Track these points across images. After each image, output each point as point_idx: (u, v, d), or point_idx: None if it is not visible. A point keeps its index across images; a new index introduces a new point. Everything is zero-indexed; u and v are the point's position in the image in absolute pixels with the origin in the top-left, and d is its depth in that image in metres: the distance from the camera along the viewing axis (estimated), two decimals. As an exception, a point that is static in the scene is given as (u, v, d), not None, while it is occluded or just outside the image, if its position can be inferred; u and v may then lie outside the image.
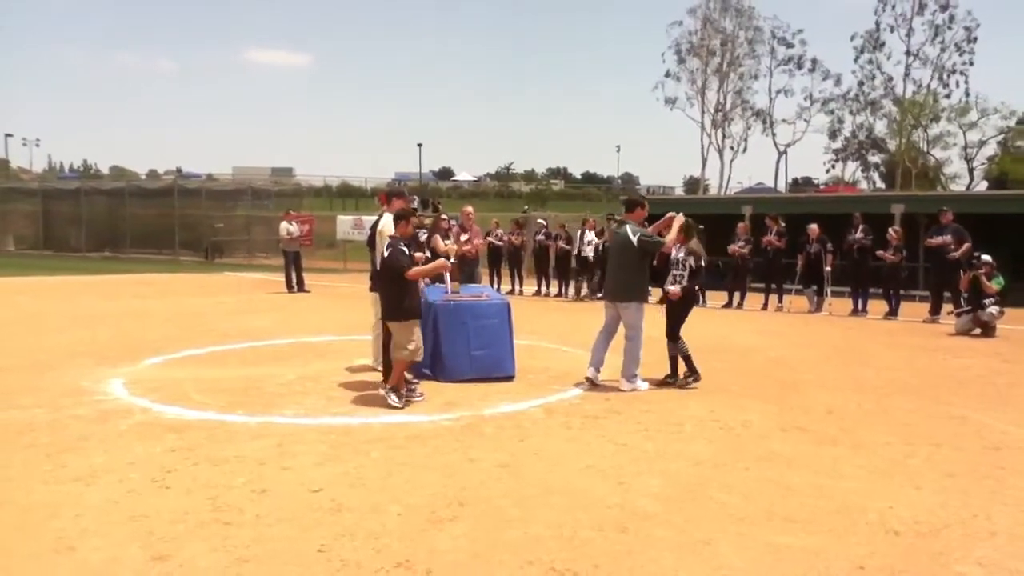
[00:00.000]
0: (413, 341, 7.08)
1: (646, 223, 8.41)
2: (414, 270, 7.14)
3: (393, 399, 7.03)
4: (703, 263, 8.31)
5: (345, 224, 29.39)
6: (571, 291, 18.76)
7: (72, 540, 4.05)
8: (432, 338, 8.17)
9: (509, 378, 8.25)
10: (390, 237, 7.29)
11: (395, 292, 7.11)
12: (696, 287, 8.41)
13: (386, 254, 7.14)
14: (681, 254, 8.22)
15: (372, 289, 8.37)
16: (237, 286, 20.84)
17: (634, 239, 7.92)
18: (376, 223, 8.13)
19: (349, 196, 60.33)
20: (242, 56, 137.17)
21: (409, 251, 7.25)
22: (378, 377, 7.95)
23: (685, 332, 8.21)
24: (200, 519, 4.34)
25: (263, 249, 32.53)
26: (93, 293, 18.06)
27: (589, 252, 17.78)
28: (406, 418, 6.67)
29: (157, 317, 13.63)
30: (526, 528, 4.28)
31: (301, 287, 18.76)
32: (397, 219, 7.40)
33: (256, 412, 6.79)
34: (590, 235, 17.87)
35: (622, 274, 8.05)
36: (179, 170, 75.79)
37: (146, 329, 11.99)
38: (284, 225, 18.96)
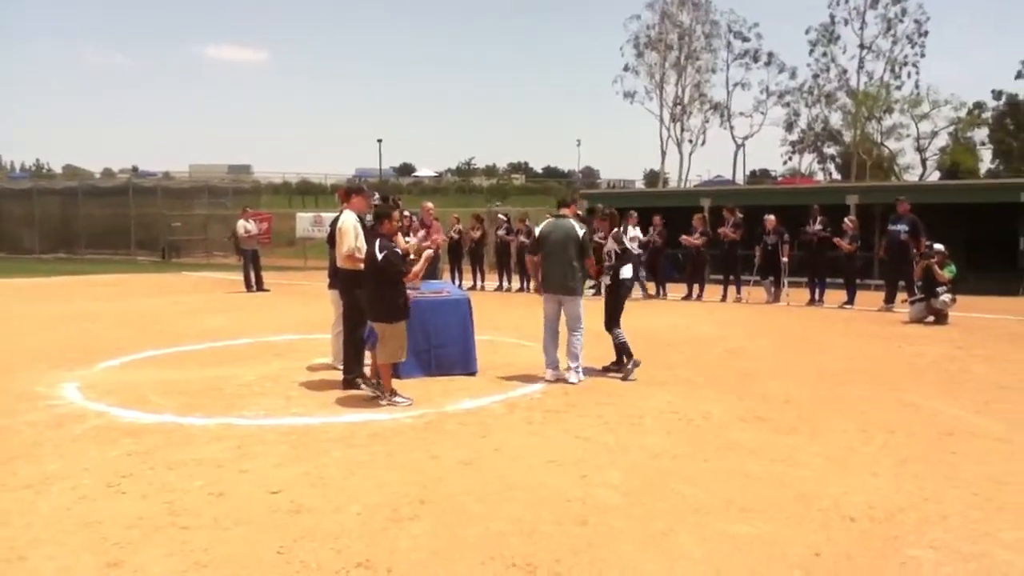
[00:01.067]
0: (396, 341, 7.04)
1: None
2: (414, 270, 7.17)
3: (400, 399, 7.01)
4: (626, 246, 8.94)
5: (305, 221, 29.13)
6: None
7: (22, 549, 3.96)
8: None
9: (471, 374, 8.25)
10: (379, 237, 7.12)
11: (388, 293, 7.03)
12: (631, 275, 8.88)
13: (380, 255, 6.97)
14: (610, 243, 8.76)
15: (331, 287, 8.32)
16: (195, 286, 20.56)
17: (580, 233, 8.04)
18: (336, 220, 8.05)
19: (309, 193, 59.85)
20: (199, 52, 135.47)
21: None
22: (338, 376, 7.90)
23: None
24: (156, 524, 4.28)
25: (221, 248, 32.13)
26: (47, 295, 17.70)
27: (633, 247, 16.54)
28: (367, 416, 6.63)
29: (113, 319, 13.40)
30: (487, 524, 4.29)
31: (260, 286, 18.56)
32: (380, 217, 7.30)
33: (215, 414, 6.71)
34: (634, 231, 15.95)
35: (567, 267, 8.04)
36: (135, 168, 74.63)
37: (102, 331, 11.79)
38: (241, 223, 18.74)
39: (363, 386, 7.48)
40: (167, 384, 7.90)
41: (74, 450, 5.68)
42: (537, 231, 8.36)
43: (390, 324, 7.03)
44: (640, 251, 15.97)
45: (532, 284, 8.58)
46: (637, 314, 13.75)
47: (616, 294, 8.64)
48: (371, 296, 7.15)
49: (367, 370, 7.88)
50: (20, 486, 4.91)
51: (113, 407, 6.94)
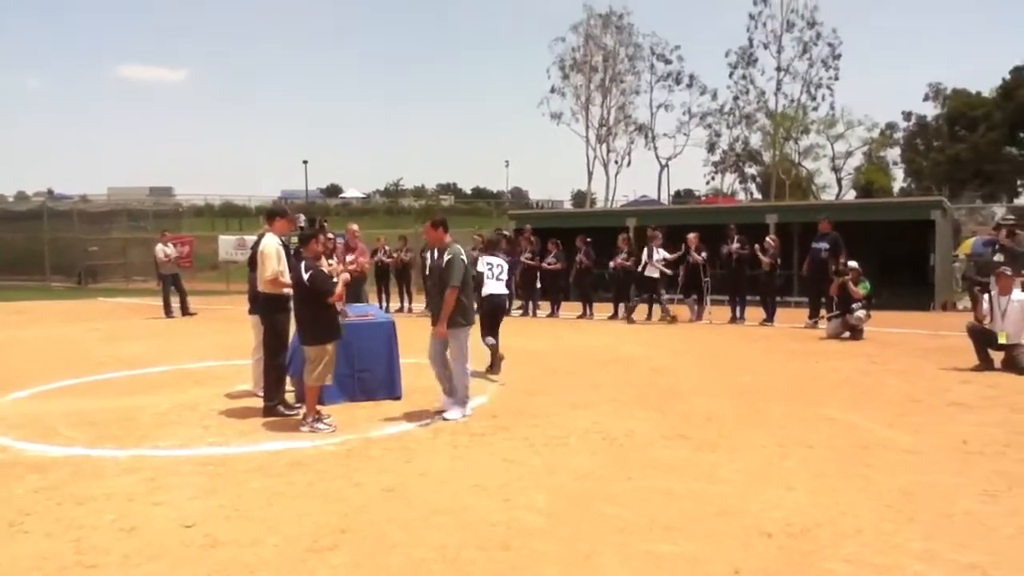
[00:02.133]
0: (322, 363, 6.95)
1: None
2: (336, 292, 7.05)
3: (322, 425, 6.87)
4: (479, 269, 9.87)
5: (227, 244, 28.56)
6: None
7: (-85, 595, 3.75)
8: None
9: (396, 398, 8.15)
10: (304, 259, 7.07)
11: (316, 315, 6.97)
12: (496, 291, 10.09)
13: (307, 276, 6.92)
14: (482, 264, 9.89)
15: (252, 312, 8.15)
16: (112, 312, 19.94)
17: (444, 263, 7.37)
18: (257, 243, 7.91)
19: (232, 215, 58.56)
20: (113, 72, 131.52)
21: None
22: (259, 403, 7.73)
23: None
24: (61, 563, 4.09)
25: (141, 272, 31.26)
26: (-48, 324, 16.94)
27: (654, 272, 15.72)
28: (288, 444, 6.48)
29: (24, 347, 12.89)
30: (409, 552, 4.22)
31: (186, 310, 18.04)
32: (305, 239, 7.30)
33: (127, 445, 6.48)
34: (660, 252, 15.73)
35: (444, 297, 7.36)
36: (50, 192, 72.06)
37: (12, 360, 11.32)
38: (160, 247, 18.28)
39: (284, 412, 7.34)
40: (78, 415, 7.61)
41: (-25, 488, 5.41)
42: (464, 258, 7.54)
43: (319, 346, 6.95)
44: (667, 271, 15.73)
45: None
46: (564, 333, 13.85)
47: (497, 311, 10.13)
48: (300, 319, 7.11)
49: (289, 396, 7.74)
50: (-86, 528, 4.65)
51: (19, 441, 6.65)
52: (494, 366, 9.78)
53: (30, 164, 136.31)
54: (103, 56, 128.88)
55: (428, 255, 7.86)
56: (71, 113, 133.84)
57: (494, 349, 9.85)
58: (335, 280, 7.30)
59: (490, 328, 9.94)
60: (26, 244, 33.15)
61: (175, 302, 18.12)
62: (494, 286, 10.03)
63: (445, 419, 7.29)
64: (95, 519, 4.75)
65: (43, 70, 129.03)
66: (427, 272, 7.83)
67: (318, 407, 7.10)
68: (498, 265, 10.18)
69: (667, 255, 15.79)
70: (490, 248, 11.06)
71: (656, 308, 16.06)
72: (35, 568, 4.04)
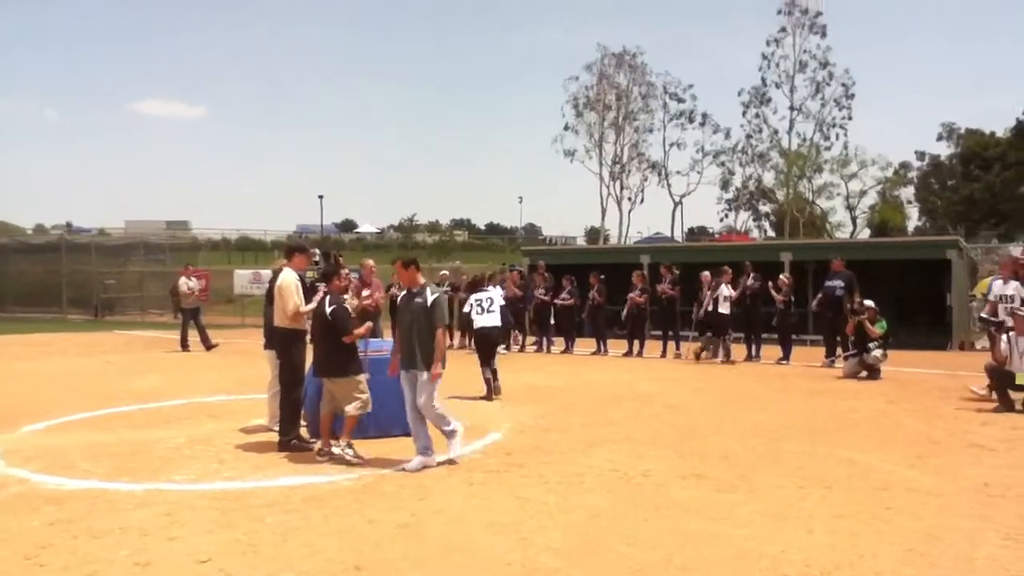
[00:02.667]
0: (363, 393, 7.15)
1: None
2: (354, 333, 7.20)
3: (350, 454, 6.99)
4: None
5: (243, 278, 28.74)
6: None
7: (-69, 628, 3.75)
8: (331, 395, 8.02)
9: (410, 435, 8.11)
10: (327, 293, 7.28)
11: (340, 348, 7.13)
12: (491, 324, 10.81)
13: (329, 311, 7.11)
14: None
15: (267, 346, 8.19)
16: (128, 345, 20.03)
17: (430, 303, 6.96)
18: (274, 278, 7.97)
19: (248, 249, 59.09)
20: (132, 107, 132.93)
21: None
22: (274, 438, 7.73)
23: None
24: (77, 598, 4.09)
25: (157, 306, 31.43)
26: (-30, 356, 17.05)
27: (725, 309, 15.06)
28: (303, 480, 6.47)
29: (41, 379, 12.95)
30: (424, 590, 4.19)
31: (207, 343, 18.04)
32: (328, 276, 7.54)
33: (143, 479, 6.49)
34: (726, 289, 15.08)
35: (422, 339, 6.96)
36: (69, 225, 72.83)
37: (28, 393, 11.38)
38: (183, 280, 18.37)
39: (300, 446, 7.39)
40: (94, 448, 7.63)
41: (-9, 520, 5.42)
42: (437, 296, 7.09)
43: (346, 378, 7.11)
44: (729, 309, 15.04)
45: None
46: (579, 370, 13.81)
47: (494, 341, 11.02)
48: (324, 353, 7.23)
49: (303, 431, 7.75)
50: (-70, 560, 4.66)
51: (36, 473, 6.67)
52: (489, 396, 10.39)
53: (48, 196, 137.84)
54: (122, 90, 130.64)
55: (397, 295, 7.81)
56: (90, 146, 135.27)
57: (489, 382, 10.49)
58: (354, 317, 7.40)
59: (484, 360, 10.62)
60: (44, 276, 33.37)
61: (192, 335, 18.14)
62: (485, 319, 10.78)
63: (453, 461, 7.03)
64: (110, 553, 4.75)
65: (62, 102, 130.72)
66: (397, 313, 7.38)
67: (314, 440, 7.35)
68: (487, 299, 10.89)
69: (732, 293, 15.16)
70: (475, 287, 12.07)
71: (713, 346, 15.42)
72: (50, 602, 4.04)
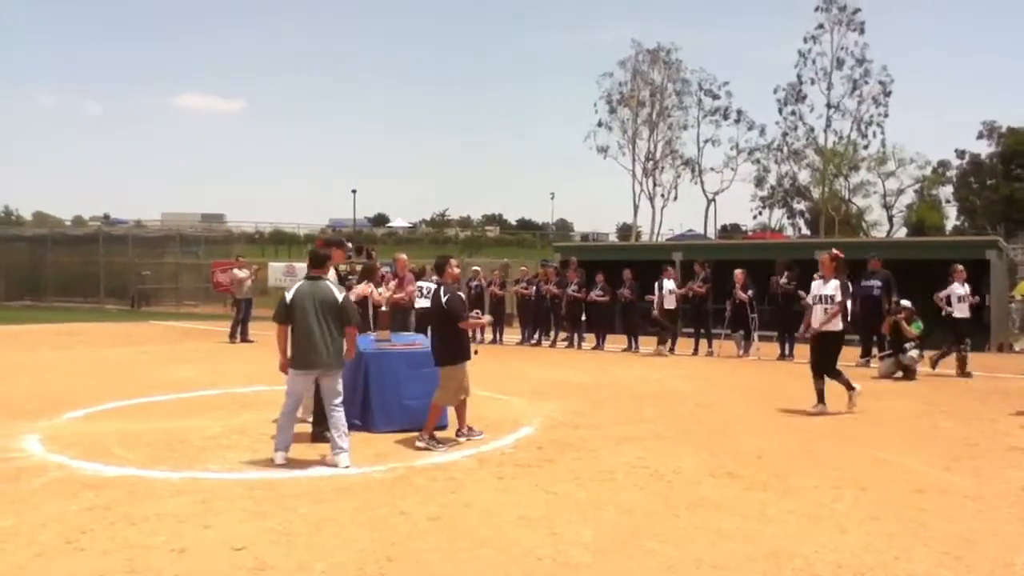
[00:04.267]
0: (461, 383, 7.53)
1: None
2: (469, 322, 7.70)
3: (437, 443, 7.33)
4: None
5: (277, 271, 29.02)
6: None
7: (-25, 609, 3.84)
8: (362, 387, 8.08)
9: (442, 428, 8.16)
10: (442, 284, 7.67)
11: (451, 336, 7.51)
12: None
13: (445, 300, 7.47)
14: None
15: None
16: (164, 335, 20.30)
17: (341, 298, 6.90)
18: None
19: (282, 243, 59.67)
20: (171, 101, 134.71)
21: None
22: (307, 429, 7.80)
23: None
24: (115, 582, 4.16)
25: (192, 297, 31.84)
26: (11, 343, 17.38)
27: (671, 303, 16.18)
28: (335, 471, 6.53)
29: (79, 368, 13.18)
30: (456, 583, 4.21)
31: (245, 337, 18.18)
32: (440, 267, 7.84)
33: (179, 467, 6.58)
34: (669, 283, 16.26)
35: (335, 337, 6.91)
36: (106, 216, 73.93)
37: (67, 381, 11.58)
38: (237, 271, 18.57)
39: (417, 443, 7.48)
40: (131, 436, 7.75)
41: (31, 505, 5.53)
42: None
43: (454, 367, 7.45)
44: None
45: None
46: (610, 366, 13.77)
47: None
48: (436, 341, 7.62)
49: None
50: (-27, 543, 4.76)
51: (74, 460, 6.79)
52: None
53: (87, 188, 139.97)
54: (163, 84, 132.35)
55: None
56: (128, 139, 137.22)
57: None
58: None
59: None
60: (82, 267, 33.91)
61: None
62: (423, 302, 11.49)
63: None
64: (147, 539, 4.82)
65: (103, 94, 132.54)
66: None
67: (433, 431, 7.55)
68: (427, 288, 11.58)
69: (677, 288, 16.05)
70: (419, 277, 13.37)
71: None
72: (90, 586, 4.11)
